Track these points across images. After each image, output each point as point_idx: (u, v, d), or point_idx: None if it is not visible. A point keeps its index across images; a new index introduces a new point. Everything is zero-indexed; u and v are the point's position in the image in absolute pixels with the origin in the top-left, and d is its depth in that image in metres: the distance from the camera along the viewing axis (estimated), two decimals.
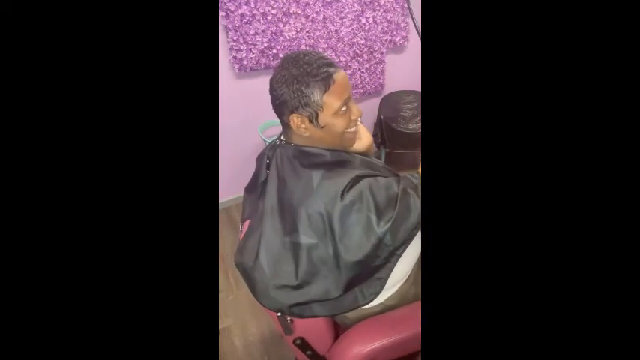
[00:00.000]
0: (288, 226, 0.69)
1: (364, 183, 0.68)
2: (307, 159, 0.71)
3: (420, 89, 1.90)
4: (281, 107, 0.68)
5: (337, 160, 0.72)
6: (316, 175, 0.69)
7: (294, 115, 0.68)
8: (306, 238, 0.67)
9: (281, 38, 1.61)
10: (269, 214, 0.72)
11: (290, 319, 0.78)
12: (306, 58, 0.66)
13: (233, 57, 1.56)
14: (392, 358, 0.83)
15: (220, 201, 1.98)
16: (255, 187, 0.82)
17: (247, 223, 0.84)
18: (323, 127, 0.69)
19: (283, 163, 0.73)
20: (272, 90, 0.68)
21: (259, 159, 0.85)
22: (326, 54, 0.65)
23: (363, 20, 1.75)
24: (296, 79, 0.65)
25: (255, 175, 0.85)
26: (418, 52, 2.04)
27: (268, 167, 0.77)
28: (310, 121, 0.68)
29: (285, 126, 0.72)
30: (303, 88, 0.65)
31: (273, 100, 0.70)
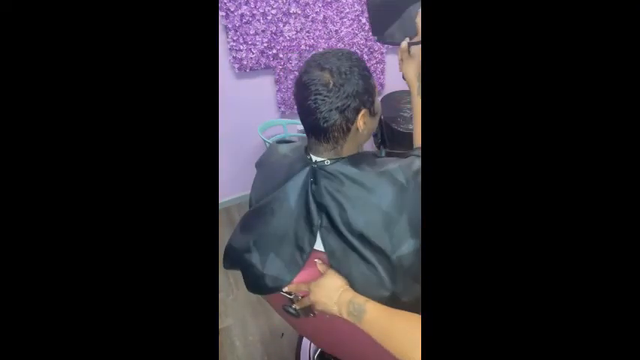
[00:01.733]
0: (394, 243, 0.58)
1: (417, 161, 0.64)
2: (367, 163, 0.63)
3: None
4: (348, 105, 0.57)
5: (371, 153, 0.69)
6: (396, 171, 0.60)
7: (363, 110, 0.59)
8: (415, 243, 0.58)
9: (281, 38, 1.61)
10: (360, 245, 0.59)
11: None
12: (332, 51, 0.61)
13: (233, 57, 1.56)
14: None
15: (220, 201, 1.98)
16: (286, 236, 0.65)
17: (304, 277, 0.65)
18: (375, 115, 0.63)
19: (351, 181, 0.61)
20: (339, 87, 0.56)
21: (254, 214, 0.70)
22: None
23: (363, 20, 1.75)
24: (357, 61, 0.58)
25: (268, 224, 0.66)
26: (418, 52, 2.03)
27: (315, 198, 0.63)
28: (370, 113, 0.61)
29: (341, 132, 0.60)
30: (365, 70, 0.59)
31: (337, 104, 0.56)
